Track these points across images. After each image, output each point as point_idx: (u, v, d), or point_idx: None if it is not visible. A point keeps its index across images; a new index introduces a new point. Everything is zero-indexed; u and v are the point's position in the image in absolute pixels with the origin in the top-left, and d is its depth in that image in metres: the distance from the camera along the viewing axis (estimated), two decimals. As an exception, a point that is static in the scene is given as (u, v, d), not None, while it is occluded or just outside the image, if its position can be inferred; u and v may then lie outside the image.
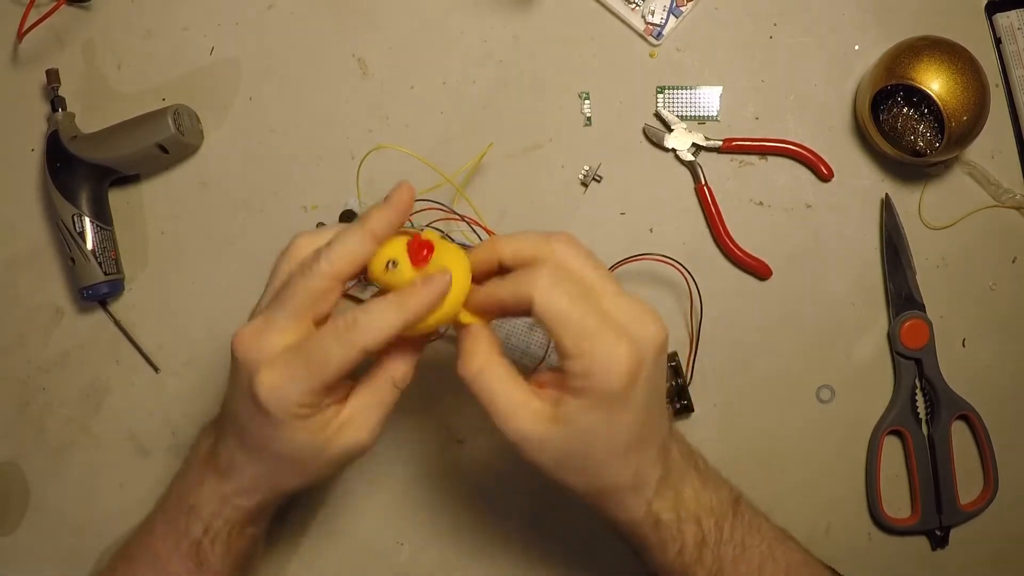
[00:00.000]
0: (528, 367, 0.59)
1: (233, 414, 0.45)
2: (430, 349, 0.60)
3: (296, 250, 0.44)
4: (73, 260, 0.60)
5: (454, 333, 0.45)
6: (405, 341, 0.44)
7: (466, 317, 0.44)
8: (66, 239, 0.60)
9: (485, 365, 0.42)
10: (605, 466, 0.43)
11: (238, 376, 0.43)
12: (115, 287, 0.61)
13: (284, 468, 0.45)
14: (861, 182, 0.61)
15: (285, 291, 0.42)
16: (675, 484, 0.45)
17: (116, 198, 0.63)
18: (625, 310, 0.41)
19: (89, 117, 0.63)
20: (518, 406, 0.42)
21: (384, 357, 0.44)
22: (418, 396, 0.61)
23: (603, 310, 0.41)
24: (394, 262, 0.42)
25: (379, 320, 0.40)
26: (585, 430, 0.41)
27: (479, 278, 0.44)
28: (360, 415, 0.44)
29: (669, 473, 0.45)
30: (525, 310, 0.41)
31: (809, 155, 0.60)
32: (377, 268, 0.42)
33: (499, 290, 0.42)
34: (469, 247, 0.50)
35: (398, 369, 0.44)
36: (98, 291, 0.60)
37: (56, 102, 0.61)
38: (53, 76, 0.61)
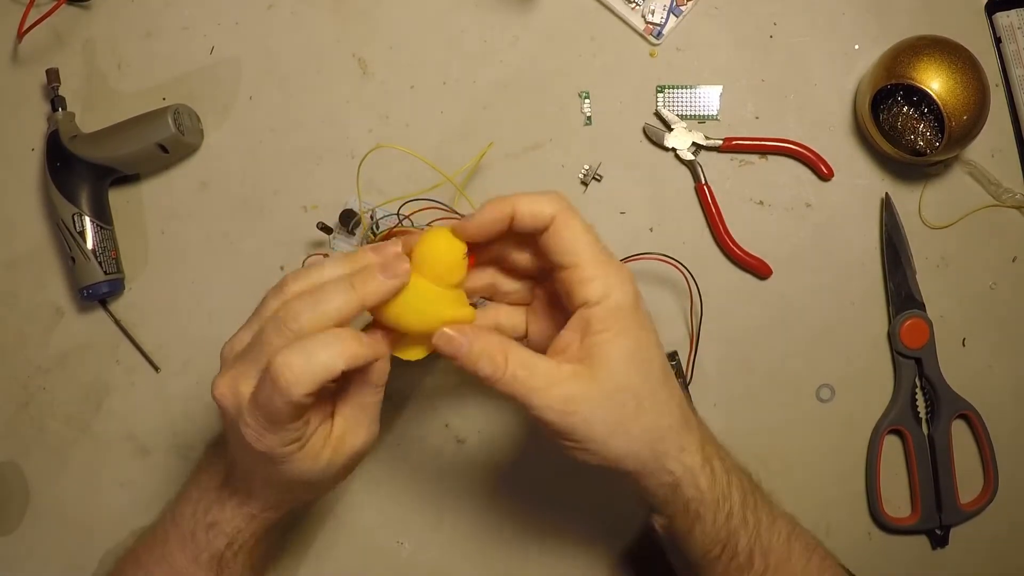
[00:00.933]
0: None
1: (239, 456, 0.45)
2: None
3: (284, 290, 0.42)
4: (73, 259, 0.60)
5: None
6: (372, 337, 0.43)
7: (456, 312, 0.43)
8: (66, 239, 0.60)
9: (509, 353, 0.41)
10: (654, 396, 0.42)
11: (228, 423, 0.42)
12: (115, 286, 0.61)
13: (300, 488, 0.46)
14: (861, 182, 0.61)
15: (258, 344, 0.41)
16: (706, 447, 0.45)
17: (116, 198, 0.63)
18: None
19: (89, 117, 0.63)
20: (554, 374, 0.41)
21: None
22: (418, 396, 0.61)
23: (601, 245, 0.43)
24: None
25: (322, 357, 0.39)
26: (624, 357, 0.42)
27: (485, 240, 0.44)
28: (351, 423, 0.44)
29: (700, 429, 0.45)
30: (536, 226, 0.42)
31: (809, 154, 0.60)
32: (448, 257, 0.43)
33: (517, 201, 0.42)
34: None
35: (370, 372, 0.43)
36: (98, 290, 0.60)
37: (56, 101, 0.61)
38: (53, 75, 0.61)
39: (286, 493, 0.47)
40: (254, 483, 0.46)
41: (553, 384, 0.41)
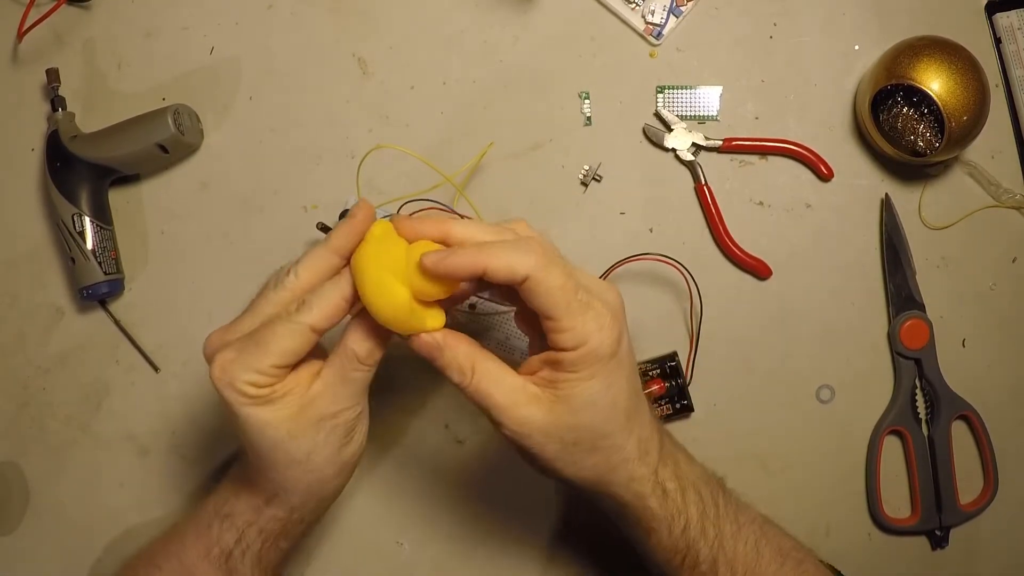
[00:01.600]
0: (512, 360, 0.59)
1: (240, 438, 0.45)
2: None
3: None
4: (73, 260, 0.60)
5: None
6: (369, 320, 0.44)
7: (430, 320, 0.43)
8: (66, 239, 0.60)
9: (476, 364, 0.43)
10: (611, 437, 0.44)
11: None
12: (115, 287, 0.61)
13: (282, 465, 0.45)
14: (861, 182, 0.61)
15: (257, 301, 0.44)
16: (671, 453, 0.46)
17: (116, 198, 0.63)
18: (591, 281, 0.44)
19: (89, 117, 0.63)
20: (517, 395, 0.43)
21: (346, 333, 0.44)
22: (418, 396, 0.61)
23: (582, 284, 0.42)
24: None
25: (321, 300, 0.42)
26: (588, 401, 0.42)
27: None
28: (328, 389, 0.44)
29: (665, 441, 0.46)
30: (507, 280, 0.41)
31: (809, 155, 0.60)
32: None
33: (489, 258, 0.41)
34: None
35: (360, 345, 0.43)
36: (98, 291, 0.60)
37: (56, 102, 0.61)
38: (53, 76, 0.61)
39: (276, 476, 0.45)
40: (251, 466, 0.46)
41: (514, 404, 0.43)
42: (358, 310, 0.44)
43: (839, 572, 0.53)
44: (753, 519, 0.48)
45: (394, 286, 0.41)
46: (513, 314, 0.50)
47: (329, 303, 0.42)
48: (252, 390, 0.42)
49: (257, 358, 0.42)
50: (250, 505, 0.47)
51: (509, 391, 0.43)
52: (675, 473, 0.46)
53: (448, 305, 0.45)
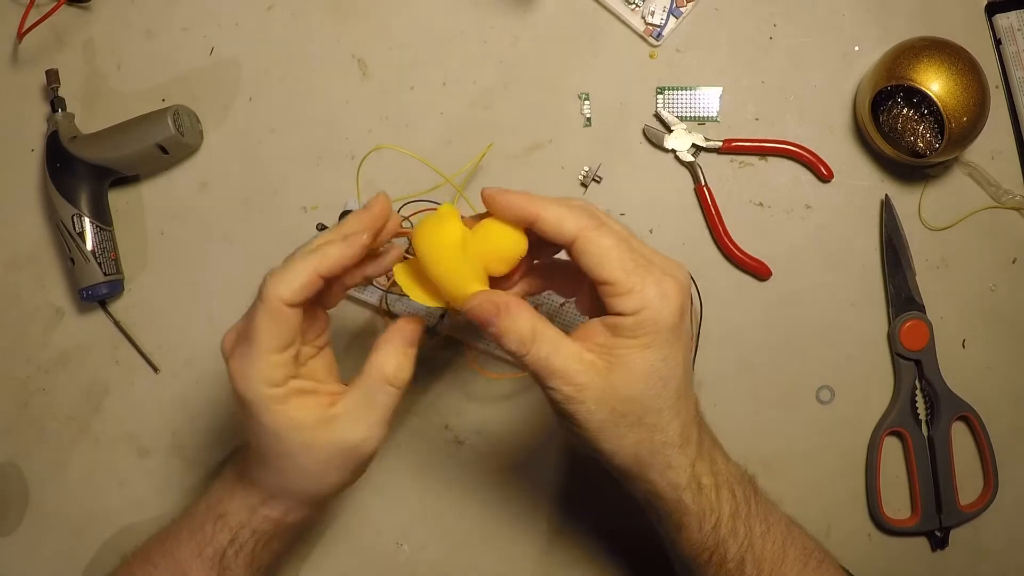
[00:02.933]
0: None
1: (245, 434, 0.45)
2: (432, 351, 0.60)
3: None
4: (73, 260, 0.60)
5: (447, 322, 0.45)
6: (395, 332, 0.44)
7: (475, 284, 0.44)
8: (66, 239, 0.60)
9: (537, 333, 0.42)
10: (659, 415, 0.43)
11: (233, 393, 0.43)
12: (114, 287, 0.61)
13: (288, 468, 0.45)
14: (861, 182, 0.61)
15: (247, 323, 0.43)
16: (709, 449, 0.46)
17: (116, 198, 0.63)
18: (654, 253, 0.43)
19: (89, 117, 0.63)
20: (574, 362, 0.42)
21: (373, 351, 0.44)
22: (418, 396, 0.61)
23: (643, 253, 0.42)
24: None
25: (288, 272, 0.42)
26: (643, 371, 0.42)
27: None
28: (352, 412, 0.44)
29: (704, 435, 0.46)
30: (555, 235, 0.42)
31: (809, 156, 0.60)
32: (448, 241, 0.43)
33: (541, 208, 0.42)
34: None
35: (388, 362, 0.43)
36: (98, 292, 0.60)
37: (56, 102, 0.61)
38: (53, 76, 0.61)
39: (277, 476, 0.45)
40: (252, 464, 0.46)
41: (572, 371, 0.41)
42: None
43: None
44: (780, 519, 0.47)
45: (455, 247, 0.42)
46: (575, 300, 0.49)
47: (297, 275, 0.42)
48: (269, 390, 0.42)
49: (255, 351, 0.42)
50: (245, 504, 0.47)
51: (566, 358, 0.42)
52: (711, 469, 0.45)
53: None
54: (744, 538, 0.45)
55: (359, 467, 0.46)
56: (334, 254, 0.42)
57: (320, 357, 0.47)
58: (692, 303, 0.43)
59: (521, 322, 0.42)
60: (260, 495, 0.47)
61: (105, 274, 0.60)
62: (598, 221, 0.42)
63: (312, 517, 0.49)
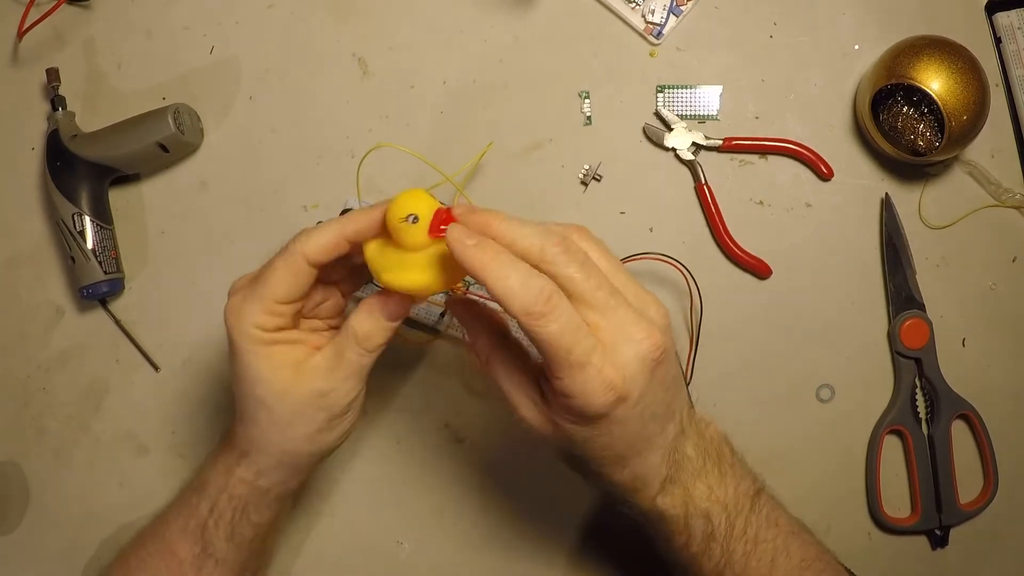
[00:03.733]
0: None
1: (233, 386, 0.46)
2: (434, 350, 0.60)
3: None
4: (73, 259, 0.60)
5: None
6: (378, 301, 0.44)
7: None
8: (66, 238, 0.60)
9: (491, 354, 0.44)
10: (601, 466, 0.43)
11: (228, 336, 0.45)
12: (115, 286, 0.61)
13: (262, 417, 0.45)
14: (861, 182, 0.61)
15: (264, 269, 0.45)
16: (685, 482, 0.45)
17: (116, 197, 0.63)
18: (632, 290, 0.42)
19: (89, 116, 0.63)
20: (523, 400, 0.43)
21: (354, 310, 0.45)
22: (418, 396, 0.61)
23: (608, 305, 0.40)
24: (415, 217, 0.41)
25: (317, 231, 0.43)
26: (577, 440, 0.42)
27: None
28: (324, 363, 0.45)
29: (679, 472, 0.45)
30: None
31: (809, 154, 0.60)
32: (396, 216, 0.41)
33: (487, 272, 0.38)
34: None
35: (360, 325, 0.44)
36: (98, 290, 0.60)
37: (56, 101, 0.61)
38: (53, 75, 0.61)
39: (253, 430, 0.46)
40: (236, 423, 0.47)
41: (519, 409, 0.44)
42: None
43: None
44: (780, 532, 0.47)
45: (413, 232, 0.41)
46: None
47: (324, 234, 0.43)
48: (257, 332, 0.44)
49: (259, 294, 0.43)
50: (223, 468, 0.48)
51: (517, 394, 0.43)
52: (683, 501, 0.45)
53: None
54: (720, 557, 0.45)
55: (329, 422, 0.46)
56: (359, 218, 0.43)
57: (326, 335, 0.48)
58: (654, 375, 0.40)
59: (478, 345, 0.45)
60: (236, 454, 0.47)
61: (105, 272, 0.60)
62: (545, 298, 0.37)
63: (286, 485, 0.49)
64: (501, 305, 0.38)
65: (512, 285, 0.38)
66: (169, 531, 0.49)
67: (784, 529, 0.47)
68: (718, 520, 0.45)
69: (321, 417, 0.45)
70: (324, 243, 0.43)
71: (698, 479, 0.45)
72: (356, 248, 0.44)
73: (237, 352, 0.44)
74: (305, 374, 0.44)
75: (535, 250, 0.39)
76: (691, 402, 0.47)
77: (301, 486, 0.51)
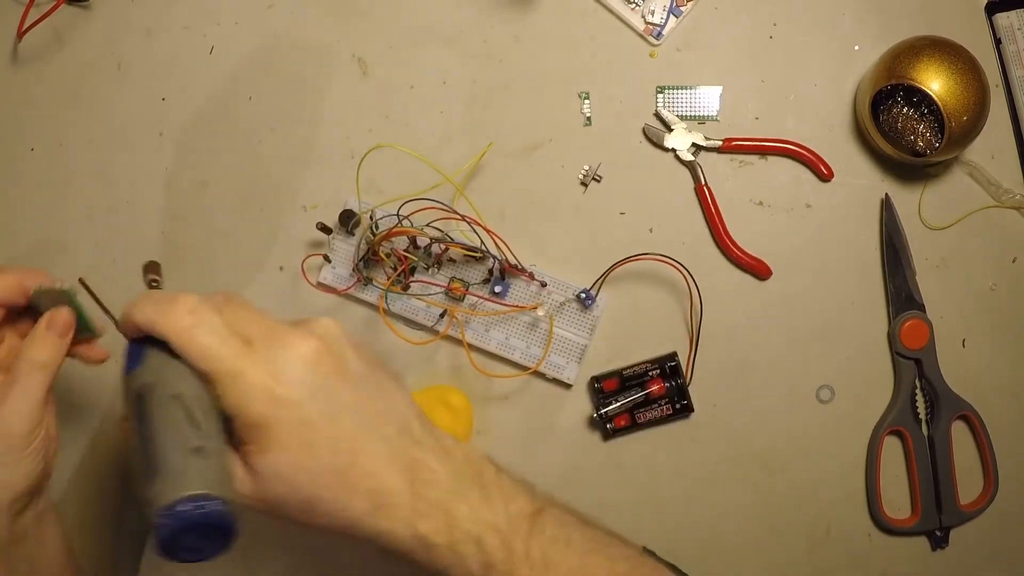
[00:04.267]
0: (510, 362, 0.59)
1: None
2: (434, 351, 0.60)
3: None
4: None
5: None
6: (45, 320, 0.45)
7: None
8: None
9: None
10: (323, 500, 0.39)
11: None
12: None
13: None
14: (861, 182, 0.61)
15: None
16: (444, 503, 0.40)
17: (116, 198, 0.63)
18: (270, 337, 0.39)
19: (89, 115, 0.63)
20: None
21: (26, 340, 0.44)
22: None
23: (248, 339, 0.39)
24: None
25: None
26: (277, 471, 0.38)
27: None
28: (16, 388, 0.43)
29: (427, 489, 0.40)
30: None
31: (809, 155, 0.60)
32: None
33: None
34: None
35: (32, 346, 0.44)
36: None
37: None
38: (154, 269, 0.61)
39: None
40: None
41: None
42: None
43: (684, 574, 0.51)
44: (573, 553, 0.42)
45: None
46: None
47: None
48: None
49: None
50: None
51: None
52: (447, 526, 0.40)
53: None
54: None
55: (12, 452, 0.42)
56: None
57: None
58: (317, 372, 0.39)
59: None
60: None
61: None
62: (191, 308, 0.39)
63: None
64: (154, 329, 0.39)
65: (144, 309, 0.40)
66: None
67: (579, 548, 0.42)
68: (492, 544, 0.40)
69: None
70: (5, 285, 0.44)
71: (457, 499, 0.40)
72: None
73: None
74: None
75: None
76: (429, 426, 0.42)
77: (19, 541, 0.45)
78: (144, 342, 0.41)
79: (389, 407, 0.41)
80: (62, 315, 0.45)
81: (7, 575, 0.45)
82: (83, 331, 0.46)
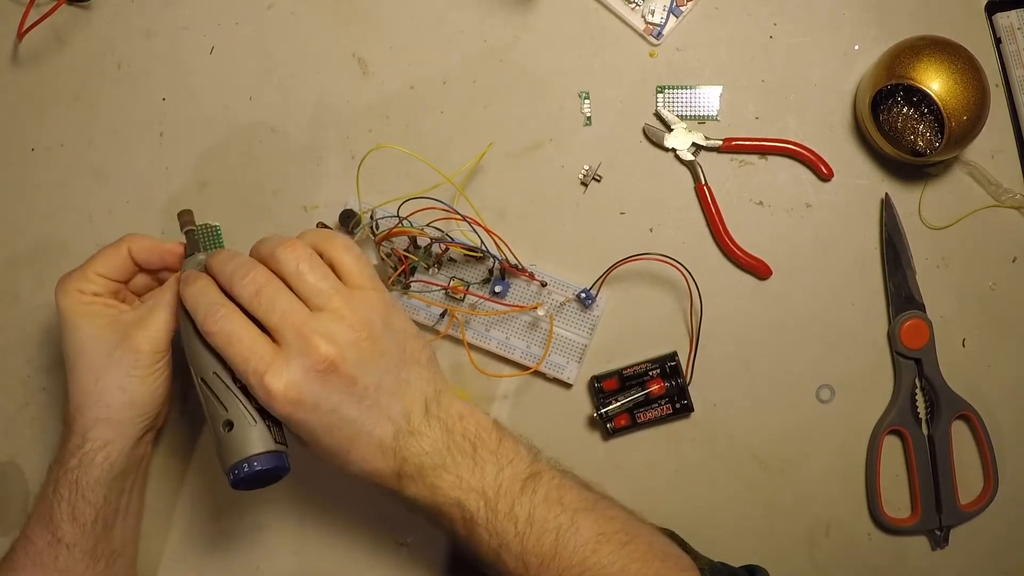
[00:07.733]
0: (527, 367, 0.59)
1: None
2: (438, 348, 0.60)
3: None
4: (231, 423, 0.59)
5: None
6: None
7: None
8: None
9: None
10: (333, 458, 0.48)
11: None
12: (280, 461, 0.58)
13: (81, 368, 0.50)
14: (861, 182, 0.61)
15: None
16: (427, 476, 0.47)
17: (116, 198, 0.63)
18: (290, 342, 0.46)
19: (89, 116, 0.63)
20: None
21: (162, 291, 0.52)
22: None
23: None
24: None
25: (144, 237, 0.53)
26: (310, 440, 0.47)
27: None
28: (132, 313, 0.51)
29: (416, 470, 0.47)
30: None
31: (809, 155, 0.60)
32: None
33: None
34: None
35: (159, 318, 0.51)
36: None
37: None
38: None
39: (77, 395, 0.50)
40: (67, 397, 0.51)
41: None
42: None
43: (682, 540, 0.53)
44: (564, 511, 0.47)
45: None
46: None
47: (148, 242, 0.53)
48: (76, 293, 0.50)
49: (83, 267, 0.51)
50: (60, 446, 0.51)
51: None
52: (431, 492, 0.47)
53: None
54: (491, 539, 0.47)
55: (135, 367, 0.50)
56: (168, 257, 0.54)
57: None
58: (328, 375, 0.45)
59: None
60: (66, 429, 0.51)
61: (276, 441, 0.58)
62: (218, 305, 0.47)
63: (110, 451, 0.50)
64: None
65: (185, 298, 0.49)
66: (31, 520, 0.51)
67: (571, 507, 0.48)
68: (475, 506, 0.47)
69: (128, 360, 0.49)
70: (146, 247, 0.52)
71: (443, 472, 0.47)
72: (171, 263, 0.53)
73: (59, 312, 0.50)
74: (115, 321, 0.50)
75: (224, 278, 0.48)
76: (435, 407, 0.49)
77: (135, 467, 0.53)
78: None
79: (391, 405, 0.47)
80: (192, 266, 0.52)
81: (118, 496, 0.52)
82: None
